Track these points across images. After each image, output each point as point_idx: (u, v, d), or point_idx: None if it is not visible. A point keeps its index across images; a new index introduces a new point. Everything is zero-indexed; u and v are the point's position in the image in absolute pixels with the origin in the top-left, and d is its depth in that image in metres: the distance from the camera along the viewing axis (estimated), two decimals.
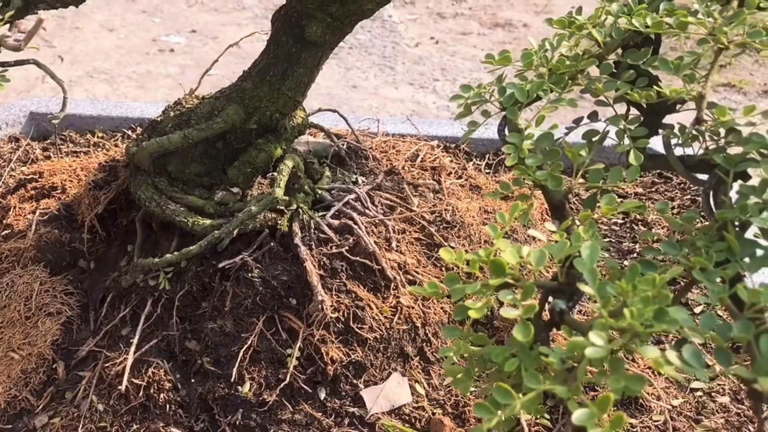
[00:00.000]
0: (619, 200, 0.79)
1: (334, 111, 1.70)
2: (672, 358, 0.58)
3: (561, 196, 0.84)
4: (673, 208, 1.85)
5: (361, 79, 3.84)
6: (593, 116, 0.94)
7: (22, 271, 1.49)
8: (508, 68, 0.95)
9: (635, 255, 1.69)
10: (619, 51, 0.95)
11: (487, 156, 2.01)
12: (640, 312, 0.61)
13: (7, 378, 1.34)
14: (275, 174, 1.35)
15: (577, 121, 0.96)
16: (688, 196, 1.89)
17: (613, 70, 0.91)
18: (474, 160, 1.99)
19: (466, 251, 1.48)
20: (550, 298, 0.78)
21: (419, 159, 1.70)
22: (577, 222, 0.78)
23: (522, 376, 0.66)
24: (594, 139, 0.91)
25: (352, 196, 1.45)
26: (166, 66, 3.62)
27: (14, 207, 1.71)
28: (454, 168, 1.74)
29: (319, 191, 1.46)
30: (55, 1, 1.17)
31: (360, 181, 1.53)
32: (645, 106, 0.92)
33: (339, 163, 1.61)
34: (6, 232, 1.62)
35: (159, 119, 1.40)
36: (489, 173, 1.95)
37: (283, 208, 1.36)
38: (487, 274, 0.73)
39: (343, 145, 1.62)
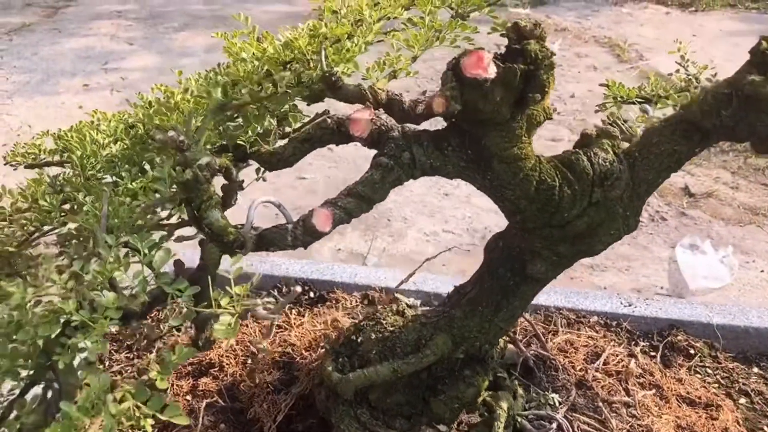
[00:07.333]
0: None
1: (529, 322, 1.62)
2: None
3: None
4: None
5: (453, 187, 3.78)
6: None
7: None
8: None
9: None
10: None
11: (651, 336, 1.90)
12: None
13: None
14: (487, 414, 1.27)
15: None
16: None
17: None
18: (639, 341, 1.87)
19: None
20: None
21: (601, 361, 1.60)
22: None
23: None
24: None
25: (554, 425, 1.35)
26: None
27: (171, 385, 1.65)
28: (639, 372, 1.63)
29: (518, 418, 1.37)
30: (286, 245, 1.12)
31: (556, 402, 1.43)
32: None
33: (525, 372, 1.52)
34: None
35: (359, 341, 1.33)
36: (655, 360, 1.82)
37: None
38: None
39: (530, 352, 1.53)
